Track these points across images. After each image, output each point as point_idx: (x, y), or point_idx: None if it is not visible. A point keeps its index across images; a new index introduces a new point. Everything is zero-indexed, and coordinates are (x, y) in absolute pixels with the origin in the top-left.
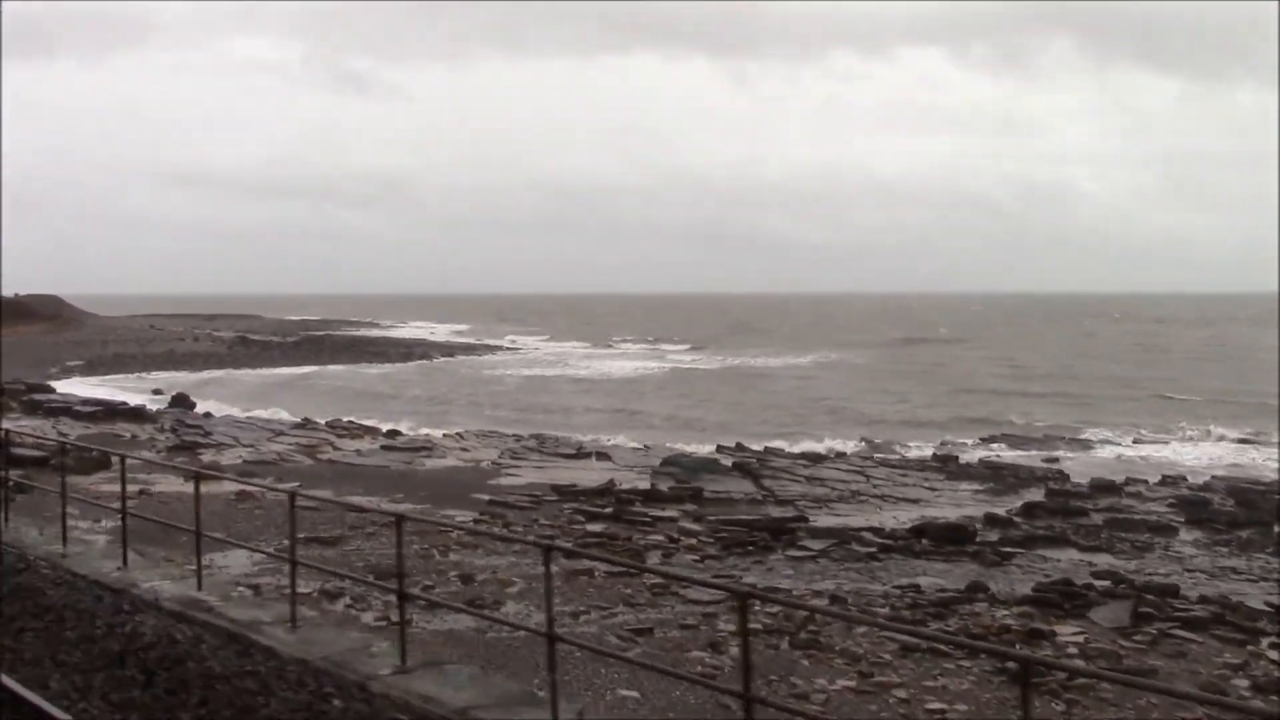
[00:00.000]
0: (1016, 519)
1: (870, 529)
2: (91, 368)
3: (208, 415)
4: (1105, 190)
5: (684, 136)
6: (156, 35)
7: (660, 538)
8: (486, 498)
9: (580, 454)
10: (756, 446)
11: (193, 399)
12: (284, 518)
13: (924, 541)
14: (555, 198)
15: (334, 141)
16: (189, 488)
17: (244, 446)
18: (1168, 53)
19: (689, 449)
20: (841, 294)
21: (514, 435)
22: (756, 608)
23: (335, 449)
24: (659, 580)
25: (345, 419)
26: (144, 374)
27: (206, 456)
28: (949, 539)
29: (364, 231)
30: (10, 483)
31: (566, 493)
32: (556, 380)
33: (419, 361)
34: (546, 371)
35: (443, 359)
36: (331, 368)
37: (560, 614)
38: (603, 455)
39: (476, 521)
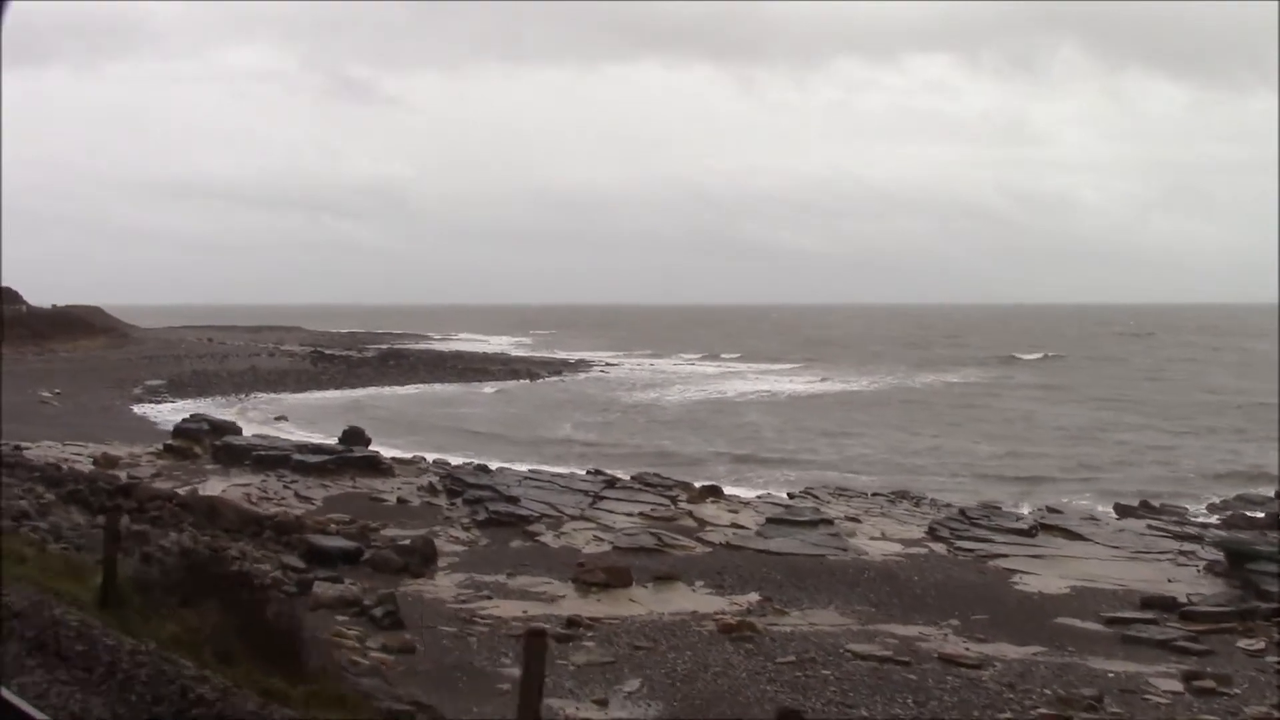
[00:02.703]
0: None
1: None
2: (178, 388)
3: (483, 468)
4: (1110, 199)
5: (687, 144)
6: (149, 43)
7: None
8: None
9: (1026, 528)
10: (1153, 504)
11: (367, 434)
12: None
13: None
14: (556, 207)
15: (332, 150)
16: (609, 605)
17: (574, 518)
18: (1179, 58)
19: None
20: (857, 305)
21: (879, 495)
22: None
23: (701, 520)
24: None
25: (651, 471)
26: (243, 395)
27: (545, 537)
28: None
29: (363, 241)
30: (378, 611)
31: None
32: (727, 407)
33: (525, 380)
34: (690, 394)
35: (552, 377)
36: (441, 387)
37: None
38: (1051, 527)
39: None
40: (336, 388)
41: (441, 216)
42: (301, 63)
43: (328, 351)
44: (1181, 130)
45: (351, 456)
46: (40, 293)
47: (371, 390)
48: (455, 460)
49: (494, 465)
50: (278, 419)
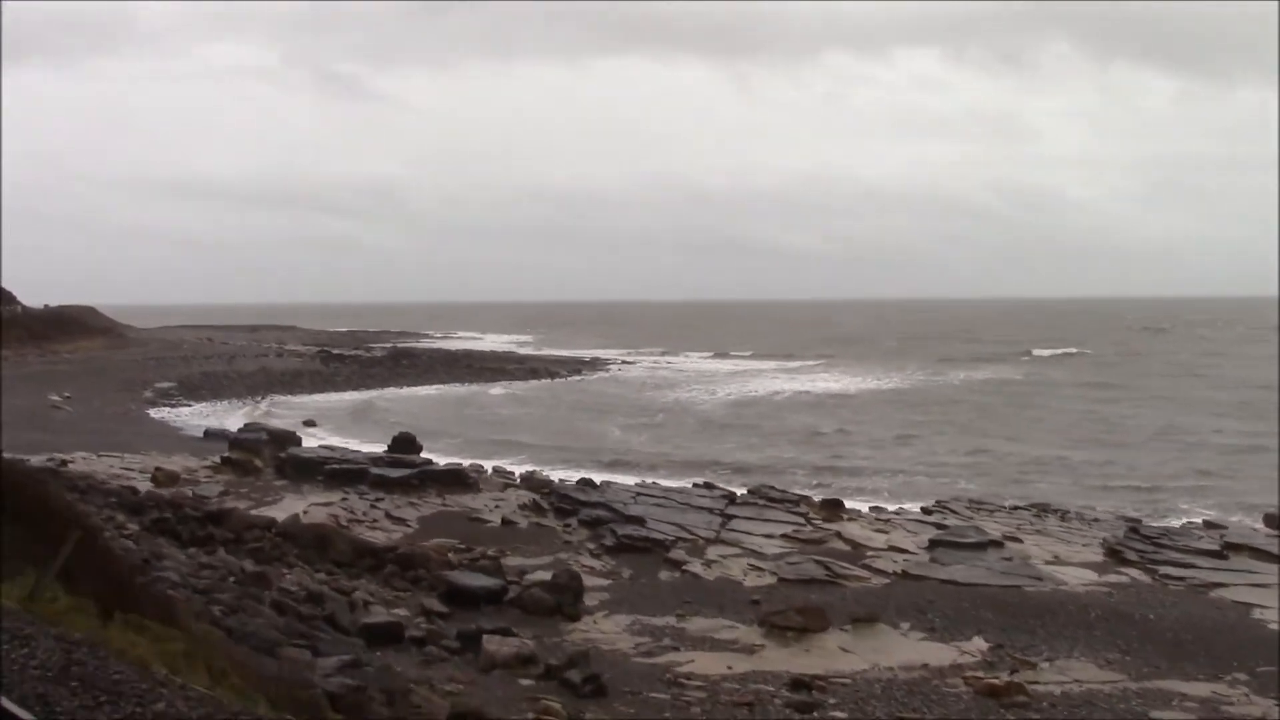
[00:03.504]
0: None
1: None
2: (190, 391)
3: (588, 483)
4: (1100, 194)
5: (680, 140)
6: (136, 40)
7: None
8: None
9: (1217, 548)
10: None
11: (419, 441)
12: None
13: None
14: (548, 204)
15: (323, 149)
16: (820, 657)
17: (712, 542)
18: (1169, 52)
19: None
20: (849, 300)
21: (1019, 508)
22: None
23: (853, 543)
24: None
25: (768, 486)
26: (258, 397)
27: (693, 566)
28: None
29: (355, 239)
30: (574, 674)
31: None
32: (768, 408)
33: (546, 380)
34: (721, 393)
35: (572, 377)
36: (460, 388)
37: None
38: (1237, 546)
39: None
40: (353, 389)
41: (435, 213)
42: (296, 62)
43: (335, 351)
44: (1170, 124)
45: (433, 470)
46: (29, 291)
47: (389, 391)
48: (515, 469)
49: (594, 478)
50: (306, 424)
